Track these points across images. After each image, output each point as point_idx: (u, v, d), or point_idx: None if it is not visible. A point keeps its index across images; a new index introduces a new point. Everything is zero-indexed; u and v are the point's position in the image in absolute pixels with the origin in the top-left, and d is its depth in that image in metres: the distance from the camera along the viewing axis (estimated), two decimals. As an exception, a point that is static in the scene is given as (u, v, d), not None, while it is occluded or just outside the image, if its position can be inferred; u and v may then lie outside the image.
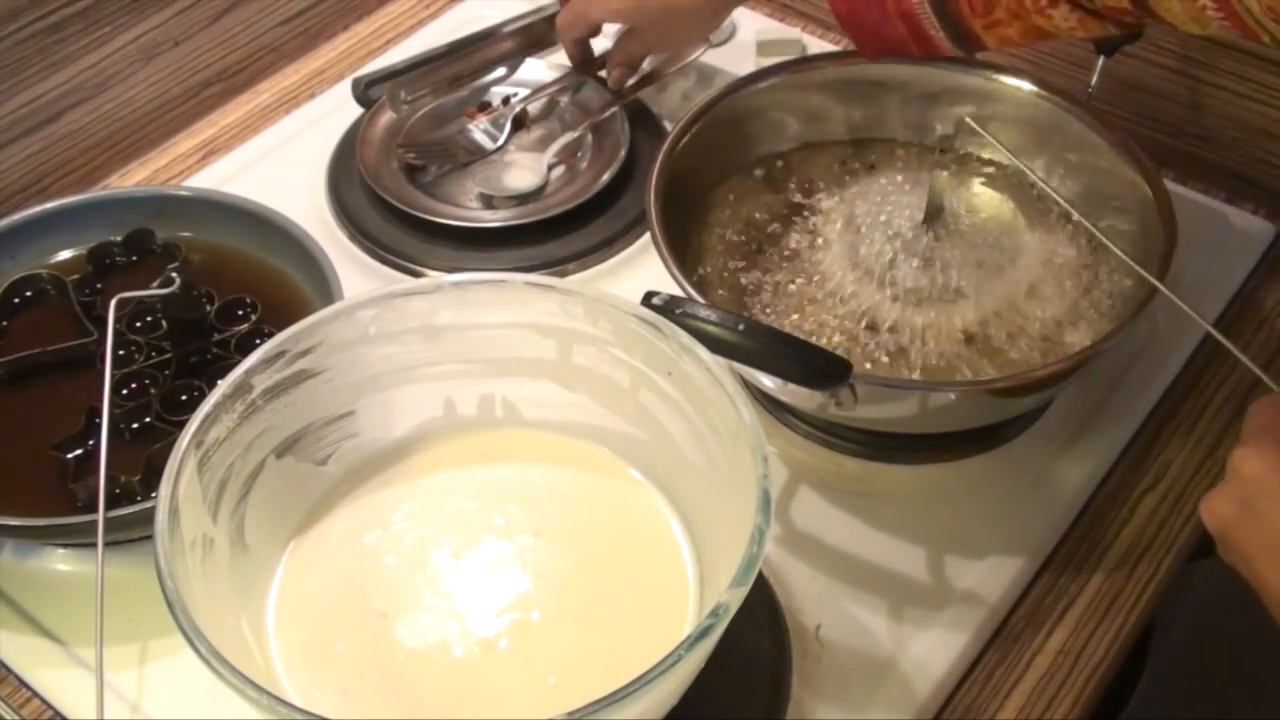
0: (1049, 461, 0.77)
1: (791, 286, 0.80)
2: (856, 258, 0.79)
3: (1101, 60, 0.82)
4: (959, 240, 0.79)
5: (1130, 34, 0.81)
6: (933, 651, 0.69)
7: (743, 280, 0.81)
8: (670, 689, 0.55)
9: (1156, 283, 0.65)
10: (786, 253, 0.82)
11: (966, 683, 0.69)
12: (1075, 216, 0.73)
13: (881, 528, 0.74)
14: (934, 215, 0.80)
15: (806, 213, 0.84)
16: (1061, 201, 0.71)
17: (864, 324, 0.77)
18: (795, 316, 0.78)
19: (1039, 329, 0.76)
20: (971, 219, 0.81)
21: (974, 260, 0.78)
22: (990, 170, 0.86)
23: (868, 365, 0.75)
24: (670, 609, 0.62)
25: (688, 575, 0.64)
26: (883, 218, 0.82)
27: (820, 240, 0.82)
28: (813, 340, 0.75)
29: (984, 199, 0.84)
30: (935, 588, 0.72)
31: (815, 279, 0.80)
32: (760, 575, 0.60)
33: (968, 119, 0.78)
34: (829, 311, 0.78)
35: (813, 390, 0.66)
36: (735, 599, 0.52)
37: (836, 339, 0.76)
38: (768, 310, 0.79)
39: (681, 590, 0.63)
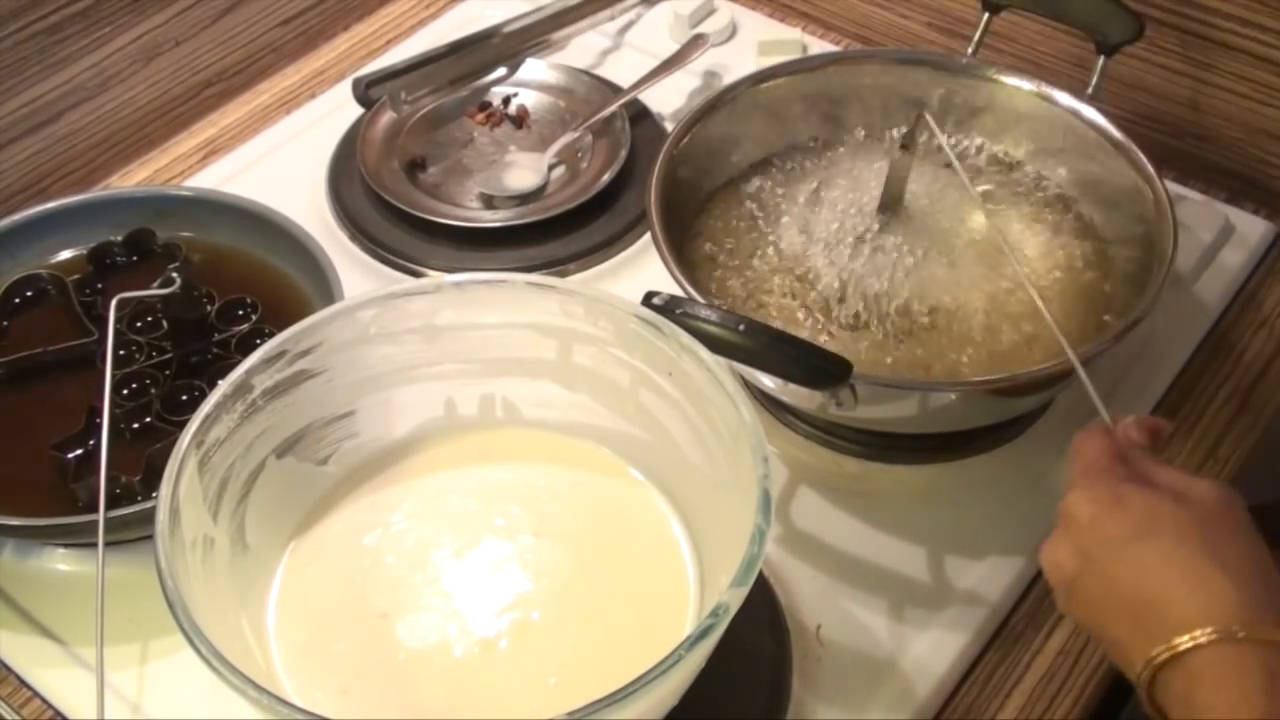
0: (1049, 461, 0.77)
1: (782, 286, 0.80)
2: (811, 233, 0.80)
3: (1102, 60, 0.82)
4: (905, 228, 0.80)
5: (1130, 34, 0.81)
6: (933, 651, 0.69)
7: (742, 280, 0.81)
8: (670, 689, 0.55)
9: (1076, 364, 0.63)
10: (780, 252, 0.82)
11: (967, 683, 0.69)
12: (1006, 252, 0.72)
13: (881, 528, 0.74)
14: (890, 203, 0.80)
15: (805, 212, 0.84)
16: (999, 233, 0.70)
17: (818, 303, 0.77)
18: (792, 316, 0.78)
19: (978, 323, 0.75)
20: (930, 206, 0.81)
21: (915, 248, 0.78)
22: (1016, 184, 0.85)
23: (824, 338, 0.75)
24: (670, 609, 0.62)
25: (688, 575, 0.64)
26: (844, 201, 0.82)
27: (810, 239, 0.82)
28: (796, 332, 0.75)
29: (952, 188, 0.83)
30: (935, 588, 0.72)
31: (804, 277, 0.80)
32: (760, 575, 0.60)
33: (926, 114, 0.78)
34: (815, 308, 0.78)
35: (813, 390, 0.66)
36: (735, 599, 0.52)
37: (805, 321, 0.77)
38: (764, 309, 0.79)
39: (682, 590, 0.63)
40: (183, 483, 0.57)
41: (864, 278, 0.77)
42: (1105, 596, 0.51)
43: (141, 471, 0.70)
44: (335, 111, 1.01)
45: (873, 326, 0.76)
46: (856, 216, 0.81)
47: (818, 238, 0.81)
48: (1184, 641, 0.47)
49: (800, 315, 0.78)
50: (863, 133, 0.88)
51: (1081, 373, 0.63)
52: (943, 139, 0.79)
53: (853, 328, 0.76)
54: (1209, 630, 0.47)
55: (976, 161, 0.86)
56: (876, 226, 0.80)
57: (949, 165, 0.83)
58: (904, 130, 0.79)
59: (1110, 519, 0.51)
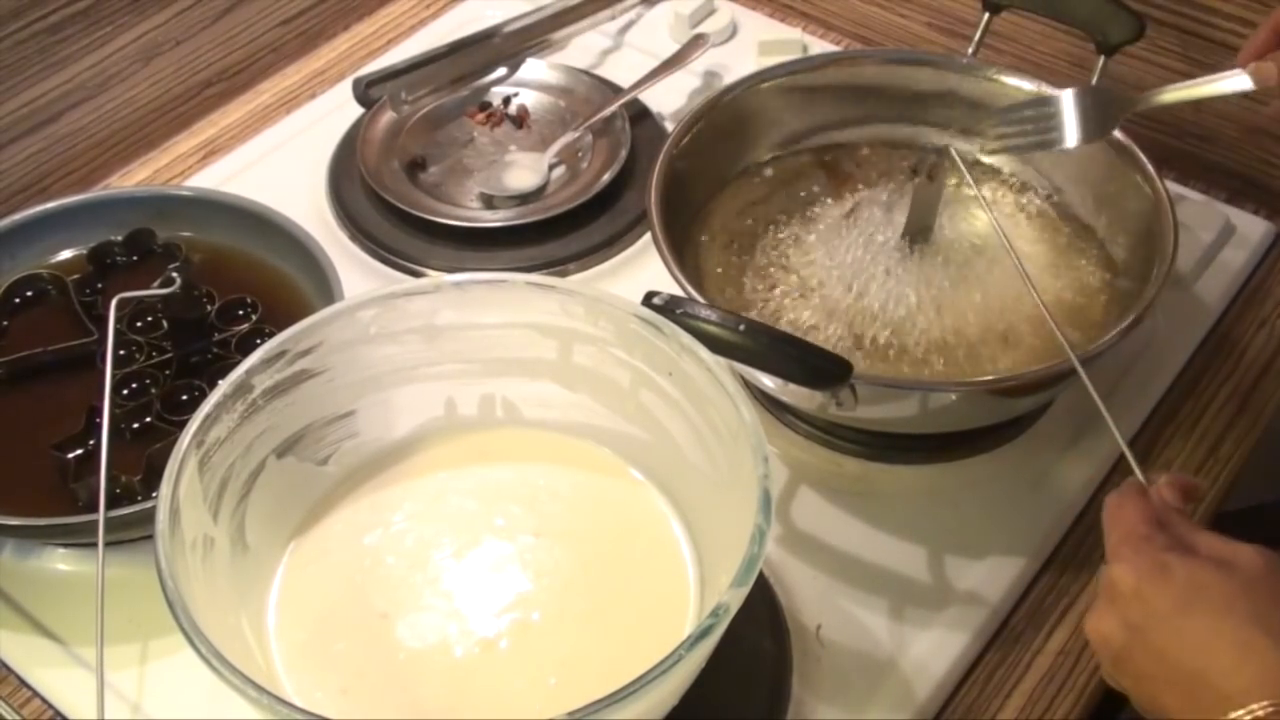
0: (1049, 461, 0.77)
1: (782, 287, 0.80)
2: (839, 263, 0.80)
3: (1102, 60, 0.82)
4: (931, 259, 0.79)
5: (1131, 34, 0.81)
6: (933, 652, 0.69)
7: (742, 279, 0.81)
8: (670, 689, 0.55)
9: (1076, 363, 0.64)
10: (780, 253, 0.82)
11: (967, 683, 0.69)
12: (1026, 279, 0.72)
13: (881, 528, 0.74)
14: (917, 231, 0.79)
15: (804, 213, 0.84)
16: (1017, 261, 0.70)
17: (851, 330, 0.77)
18: (790, 316, 0.78)
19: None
20: (954, 234, 0.80)
21: (939, 279, 0.78)
22: (992, 186, 0.86)
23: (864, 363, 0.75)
24: (670, 609, 0.62)
25: (688, 575, 0.64)
26: (869, 229, 0.81)
27: (810, 240, 0.82)
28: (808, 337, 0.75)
29: (979, 218, 0.83)
30: (935, 588, 0.72)
31: (803, 278, 0.80)
32: (760, 575, 0.60)
33: (953, 150, 0.77)
34: (815, 309, 0.78)
35: (813, 390, 0.66)
36: (736, 599, 0.52)
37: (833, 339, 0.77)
38: (764, 309, 0.79)
39: (682, 590, 0.63)
40: (183, 483, 0.57)
41: (883, 305, 0.77)
42: (1154, 669, 0.50)
43: (141, 471, 0.70)
44: (335, 111, 1.01)
45: (866, 346, 0.76)
46: (882, 246, 0.80)
47: (836, 260, 0.81)
48: (1240, 715, 0.47)
49: (806, 314, 0.78)
50: (863, 133, 0.88)
51: (1083, 374, 0.63)
52: (970, 180, 0.78)
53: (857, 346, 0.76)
54: (1264, 703, 0.46)
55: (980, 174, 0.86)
56: (898, 254, 0.79)
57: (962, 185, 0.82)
58: (929, 161, 0.78)
59: (1155, 590, 0.50)
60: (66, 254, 0.84)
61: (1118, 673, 0.53)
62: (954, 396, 0.71)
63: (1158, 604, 0.50)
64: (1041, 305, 0.68)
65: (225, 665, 0.50)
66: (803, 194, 0.86)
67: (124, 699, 0.67)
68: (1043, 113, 0.75)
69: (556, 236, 0.90)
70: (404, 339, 0.66)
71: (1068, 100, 0.74)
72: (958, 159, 0.76)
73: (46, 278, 0.82)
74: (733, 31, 1.08)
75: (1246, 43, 0.70)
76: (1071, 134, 0.74)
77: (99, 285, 0.82)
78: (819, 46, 1.07)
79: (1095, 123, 0.74)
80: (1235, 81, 0.70)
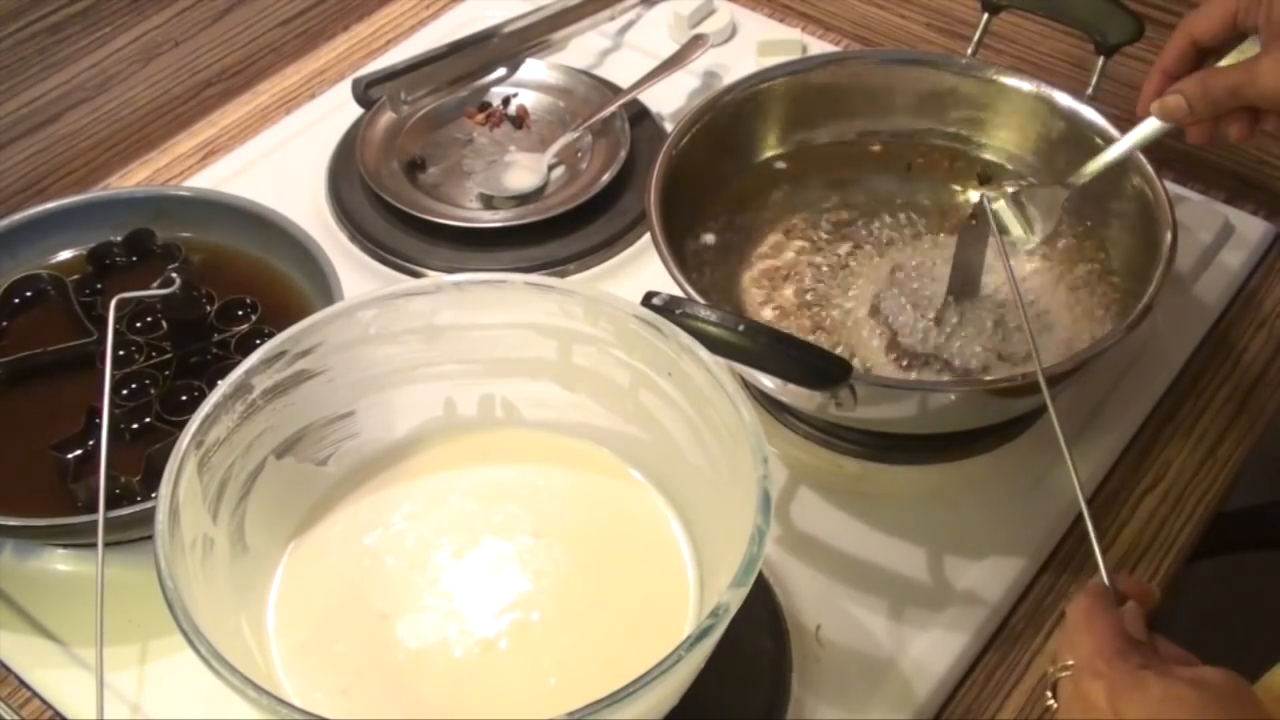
0: (1049, 461, 0.77)
1: (793, 289, 0.80)
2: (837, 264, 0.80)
3: (1101, 60, 0.82)
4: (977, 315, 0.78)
5: (1130, 34, 0.81)
6: (933, 652, 0.69)
7: (742, 279, 0.81)
8: (670, 689, 0.55)
9: (1042, 381, 0.64)
10: (779, 253, 0.82)
11: (966, 683, 0.69)
12: (1022, 313, 0.71)
13: (881, 528, 0.74)
14: (963, 288, 0.77)
15: (804, 214, 0.84)
16: (1022, 306, 0.70)
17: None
18: (791, 320, 0.78)
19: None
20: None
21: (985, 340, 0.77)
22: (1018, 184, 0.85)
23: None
24: (670, 609, 0.62)
25: (688, 575, 0.64)
26: (914, 271, 0.80)
27: (809, 241, 0.82)
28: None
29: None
30: (935, 588, 0.72)
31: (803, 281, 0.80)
32: (760, 575, 0.60)
33: (985, 200, 0.74)
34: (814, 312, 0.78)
35: (813, 390, 0.66)
36: (735, 599, 0.52)
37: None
38: (764, 310, 0.79)
39: (681, 590, 0.63)
40: (182, 483, 0.57)
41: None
42: None
43: (141, 472, 0.70)
44: (335, 112, 1.01)
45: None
46: (924, 301, 0.79)
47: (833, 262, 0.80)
48: None
49: (805, 322, 0.78)
50: (863, 133, 0.88)
51: (1046, 393, 0.63)
52: (995, 232, 0.74)
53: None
54: None
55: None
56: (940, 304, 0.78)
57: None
58: (970, 221, 0.77)
59: (1130, 704, 0.50)
60: (66, 254, 0.84)
61: None
62: (953, 397, 0.71)
63: (1132, 717, 0.49)
64: (1022, 312, 0.67)
65: (225, 666, 0.50)
66: (801, 195, 0.86)
67: (123, 699, 0.68)
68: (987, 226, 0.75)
69: (556, 237, 0.90)
70: (404, 339, 0.66)
71: (1004, 211, 0.74)
72: (989, 210, 0.74)
73: (46, 278, 0.82)
74: (732, 32, 1.08)
75: (1143, 90, 0.71)
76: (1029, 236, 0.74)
77: (99, 285, 0.82)
78: (819, 47, 1.07)
79: (1041, 221, 0.74)
80: (1148, 125, 0.70)
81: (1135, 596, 0.55)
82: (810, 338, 0.77)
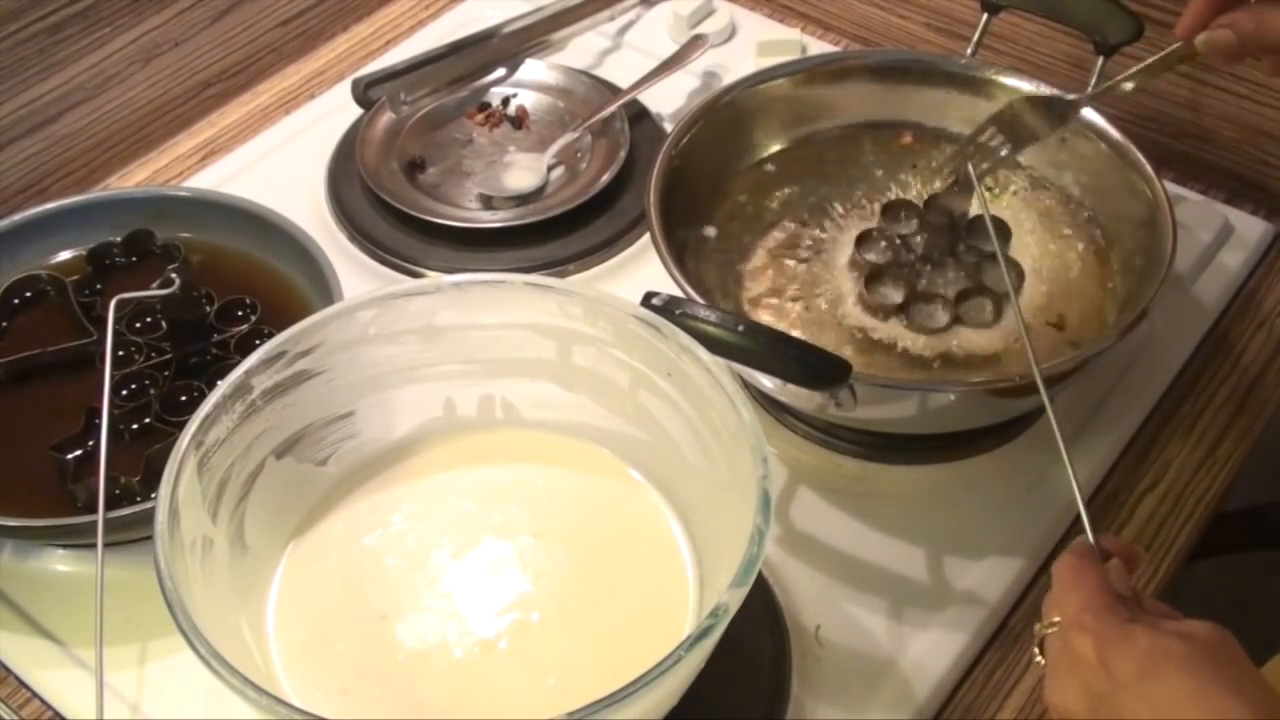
0: (1049, 461, 0.77)
1: (793, 289, 0.80)
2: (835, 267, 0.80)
3: (1101, 60, 0.82)
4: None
5: (1129, 34, 0.81)
6: (932, 652, 0.69)
7: (742, 279, 0.81)
8: (670, 689, 0.55)
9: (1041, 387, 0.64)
10: (779, 253, 0.82)
11: (966, 683, 0.69)
12: (1013, 299, 0.73)
13: (881, 528, 0.74)
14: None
15: (803, 215, 0.85)
16: (1008, 282, 0.71)
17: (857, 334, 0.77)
18: (791, 318, 0.78)
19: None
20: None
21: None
22: (1019, 184, 0.85)
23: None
24: (670, 609, 0.62)
25: (688, 575, 0.64)
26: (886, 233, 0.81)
27: (810, 242, 0.82)
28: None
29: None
30: (935, 588, 0.72)
31: (803, 281, 0.80)
32: (760, 575, 0.60)
33: (970, 166, 0.77)
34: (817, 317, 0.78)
35: (812, 391, 0.66)
36: (735, 599, 0.52)
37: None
38: (765, 310, 0.79)
39: (681, 590, 0.63)
40: (182, 483, 0.57)
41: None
42: None
43: (141, 472, 0.70)
44: (335, 112, 1.01)
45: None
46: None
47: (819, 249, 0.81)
48: None
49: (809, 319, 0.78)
50: (863, 132, 0.88)
51: (1045, 393, 0.63)
52: (984, 196, 0.77)
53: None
54: None
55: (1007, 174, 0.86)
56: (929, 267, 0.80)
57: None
58: (951, 185, 0.79)
59: (1119, 657, 0.50)
60: (66, 255, 0.84)
61: None
62: (953, 397, 0.71)
63: (1122, 671, 0.49)
64: (1018, 315, 0.68)
65: (224, 666, 0.50)
66: (801, 196, 0.86)
67: (123, 700, 0.68)
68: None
69: (556, 237, 0.90)
70: (403, 339, 0.66)
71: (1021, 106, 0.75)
72: (972, 173, 0.76)
73: (46, 278, 0.82)
74: (732, 32, 1.08)
75: (1183, 17, 0.70)
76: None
77: (98, 286, 0.82)
78: (818, 47, 1.07)
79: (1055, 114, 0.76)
80: (1172, 50, 0.71)
81: (1121, 555, 0.55)
82: (809, 337, 0.77)
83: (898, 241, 0.80)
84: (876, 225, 0.82)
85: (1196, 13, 0.69)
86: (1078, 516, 0.75)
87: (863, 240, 0.80)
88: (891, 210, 0.83)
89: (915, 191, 0.85)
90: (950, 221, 0.81)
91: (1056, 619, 0.53)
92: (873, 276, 0.78)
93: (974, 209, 0.81)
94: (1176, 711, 0.48)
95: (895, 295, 0.78)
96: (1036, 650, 0.54)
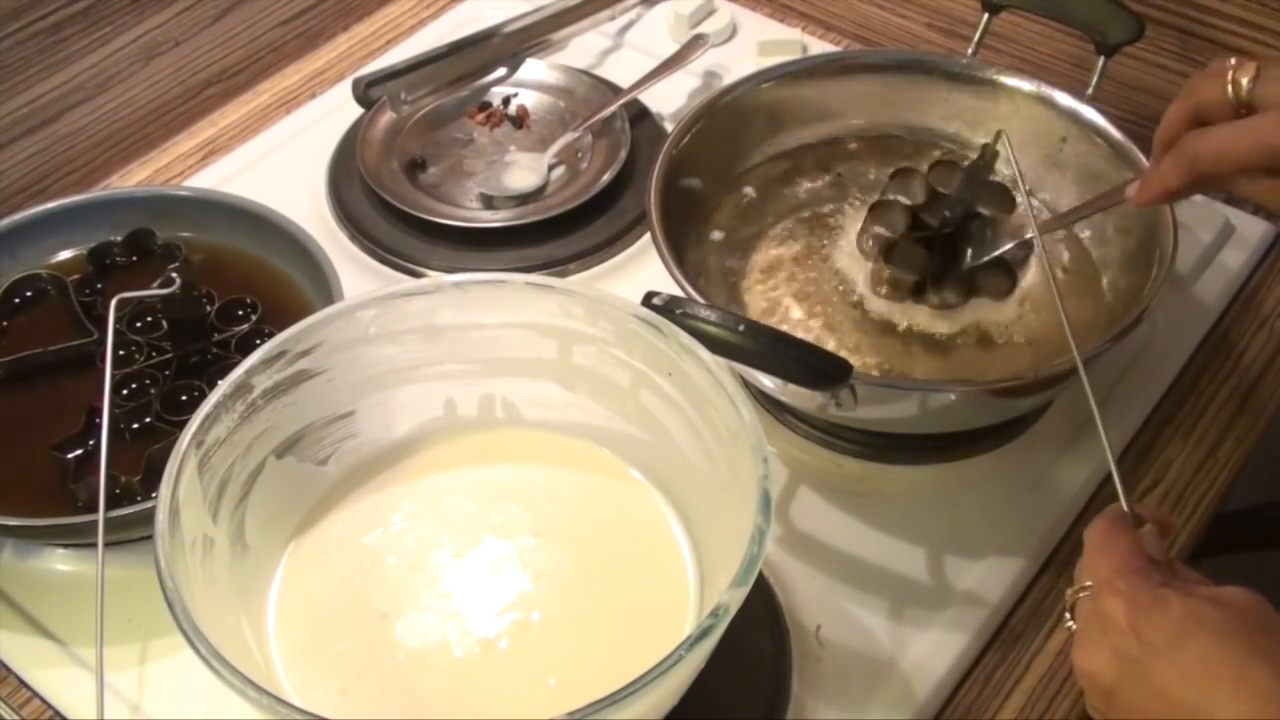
0: (1049, 461, 0.77)
1: (794, 288, 0.80)
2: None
3: (1102, 60, 0.82)
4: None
5: (1130, 34, 0.81)
6: (933, 652, 0.69)
7: (743, 278, 0.81)
8: (670, 689, 0.55)
9: (1080, 366, 0.63)
10: (780, 252, 0.82)
11: (966, 683, 0.69)
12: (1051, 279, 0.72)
13: (881, 528, 0.74)
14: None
15: (804, 215, 0.84)
16: (1042, 256, 0.71)
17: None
18: (797, 315, 0.78)
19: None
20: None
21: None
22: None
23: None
24: (670, 609, 0.62)
25: (688, 575, 0.64)
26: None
27: (809, 242, 0.82)
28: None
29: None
30: (935, 588, 0.72)
31: (803, 282, 0.80)
32: (760, 575, 0.60)
33: (1003, 133, 0.76)
34: (824, 310, 0.78)
35: (813, 391, 0.66)
36: (735, 599, 0.52)
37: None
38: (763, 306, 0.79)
39: (681, 590, 0.63)
40: (182, 483, 0.57)
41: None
42: (1148, 703, 0.49)
43: (141, 471, 0.70)
44: (335, 111, 1.01)
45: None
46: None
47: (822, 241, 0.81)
48: None
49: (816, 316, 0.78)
50: (863, 132, 0.88)
51: (1084, 378, 0.62)
52: (1010, 158, 0.75)
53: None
54: None
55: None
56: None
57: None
58: (979, 161, 0.78)
59: (1151, 622, 0.49)
60: (66, 254, 0.84)
61: (1107, 708, 0.51)
62: (953, 397, 0.71)
63: (1153, 636, 0.48)
64: (1059, 303, 0.66)
65: (225, 665, 0.50)
66: (802, 195, 0.86)
67: (124, 699, 0.68)
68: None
69: (556, 237, 0.90)
70: (404, 339, 0.66)
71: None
72: (1008, 140, 0.76)
73: (46, 278, 0.82)
74: (732, 32, 1.08)
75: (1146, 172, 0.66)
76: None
77: (99, 285, 0.82)
78: (819, 47, 1.07)
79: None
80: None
81: (1156, 523, 0.54)
82: (812, 337, 0.77)
83: (913, 212, 0.79)
84: (888, 195, 0.81)
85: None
86: (1079, 516, 0.76)
87: (876, 210, 0.79)
88: (901, 177, 0.82)
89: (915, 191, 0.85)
90: (965, 191, 0.80)
91: (1088, 583, 0.52)
92: (888, 250, 0.77)
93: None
94: (1208, 680, 0.47)
95: (910, 273, 0.77)
96: (1068, 615, 0.53)
